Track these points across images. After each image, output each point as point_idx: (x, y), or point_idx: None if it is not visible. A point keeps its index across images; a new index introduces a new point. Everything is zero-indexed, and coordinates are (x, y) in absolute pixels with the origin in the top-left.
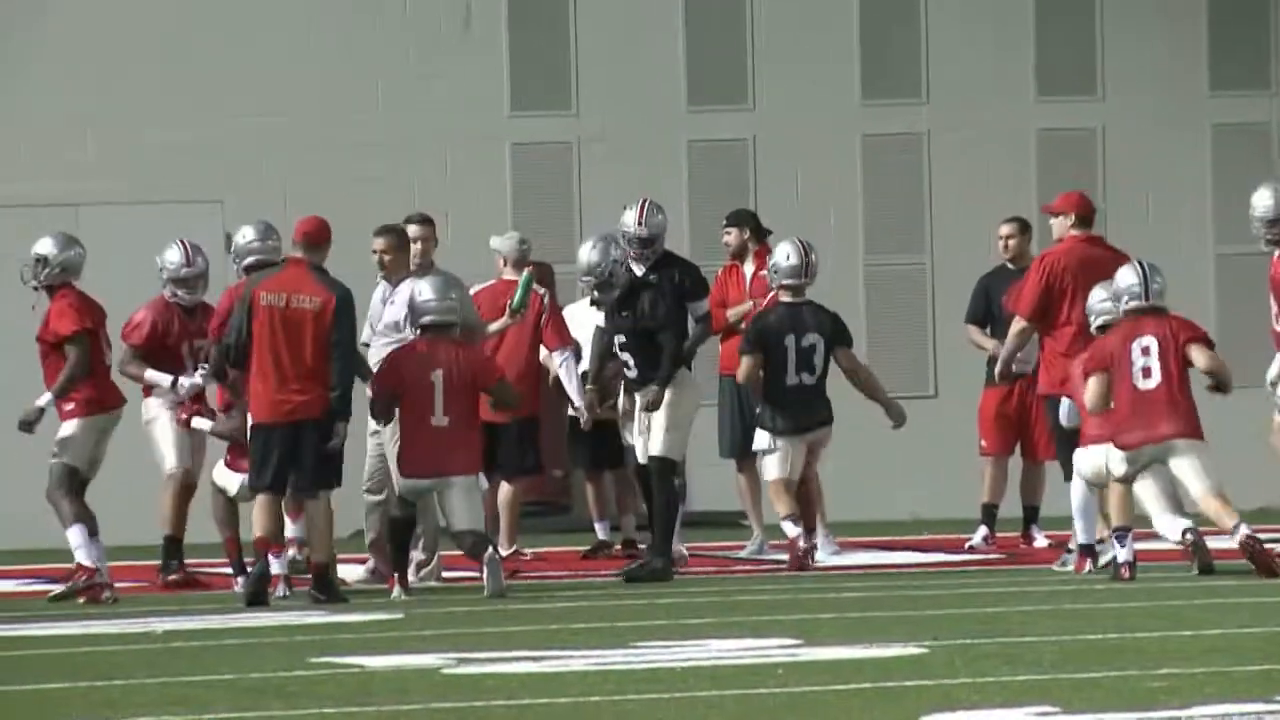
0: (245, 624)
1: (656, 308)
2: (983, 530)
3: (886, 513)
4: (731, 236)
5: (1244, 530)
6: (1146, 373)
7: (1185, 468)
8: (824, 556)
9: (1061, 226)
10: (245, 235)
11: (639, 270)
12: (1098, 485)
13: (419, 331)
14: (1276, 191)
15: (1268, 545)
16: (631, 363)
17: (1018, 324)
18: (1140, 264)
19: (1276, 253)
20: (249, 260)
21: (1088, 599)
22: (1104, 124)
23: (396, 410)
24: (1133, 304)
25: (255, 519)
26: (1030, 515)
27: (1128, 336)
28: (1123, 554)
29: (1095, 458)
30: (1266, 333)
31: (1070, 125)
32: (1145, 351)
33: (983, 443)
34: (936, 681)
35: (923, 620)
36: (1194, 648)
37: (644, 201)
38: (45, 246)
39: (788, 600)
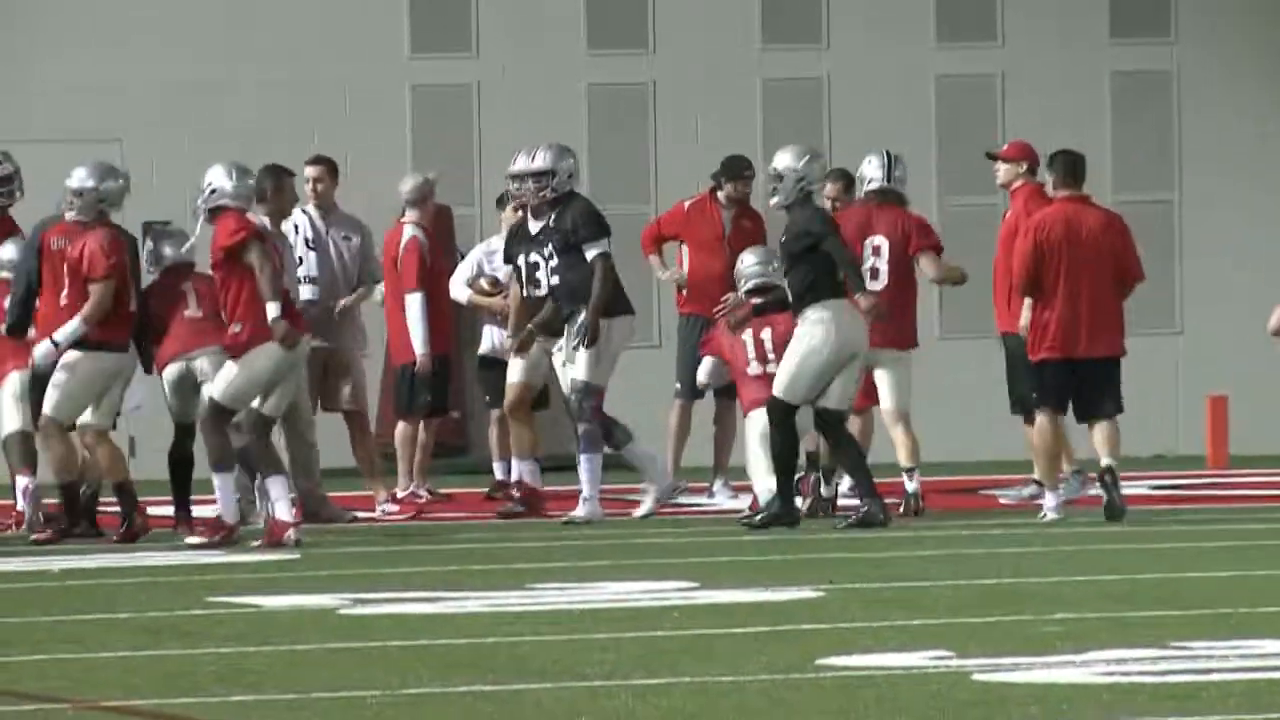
0: (142, 563)
1: (814, 222)
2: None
3: None
4: None
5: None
6: (874, 274)
7: (884, 379)
8: (722, 501)
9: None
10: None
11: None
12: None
13: (161, 273)
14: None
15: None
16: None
17: None
18: (886, 152)
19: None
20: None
21: (983, 544)
22: (1003, 70)
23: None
24: (873, 186)
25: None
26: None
27: (861, 228)
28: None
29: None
30: (1163, 279)
31: (970, 71)
32: (875, 251)
33: None
34: (832, 625)
35: (819, 564)
36: (1089, 593)
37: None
38: (216, 177)
39: (685, 544)
